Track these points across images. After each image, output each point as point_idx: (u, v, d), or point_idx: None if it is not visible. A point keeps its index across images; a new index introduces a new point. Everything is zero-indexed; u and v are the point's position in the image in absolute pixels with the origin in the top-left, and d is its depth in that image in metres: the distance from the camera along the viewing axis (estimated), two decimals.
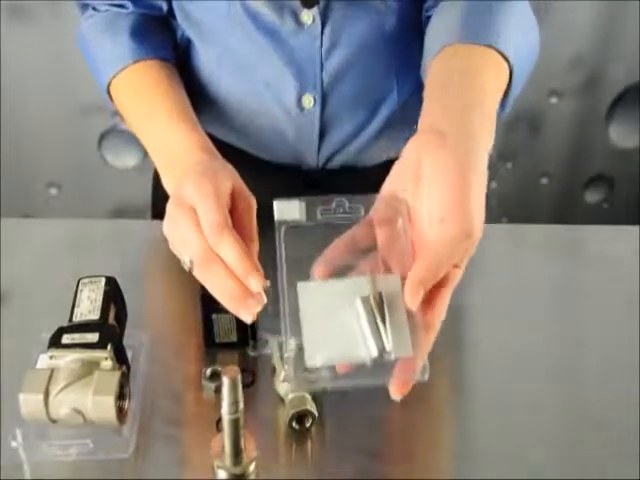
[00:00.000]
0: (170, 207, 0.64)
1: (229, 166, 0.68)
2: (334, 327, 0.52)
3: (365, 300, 0.52)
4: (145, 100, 0.80)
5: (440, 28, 0.75)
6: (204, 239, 0.59)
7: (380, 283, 0.54)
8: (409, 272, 0.53)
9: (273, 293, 0.55)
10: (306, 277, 0.55)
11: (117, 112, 0.86)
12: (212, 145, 0.73)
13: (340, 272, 0.55)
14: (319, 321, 0.53)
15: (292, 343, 0.69)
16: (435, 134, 0.58)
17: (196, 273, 0.61)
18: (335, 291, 0.54)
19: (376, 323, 0.52)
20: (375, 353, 0.51)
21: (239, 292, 0.59)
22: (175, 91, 0.81)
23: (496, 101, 0.66)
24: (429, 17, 0.80)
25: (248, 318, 0.59)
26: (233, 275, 0.59)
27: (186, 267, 0.61)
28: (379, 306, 0.53)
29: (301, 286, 0.54)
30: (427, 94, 0.66)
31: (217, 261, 0.59)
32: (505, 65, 0.69)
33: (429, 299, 0.53)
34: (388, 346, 0.51)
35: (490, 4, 0.73)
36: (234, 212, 0.63)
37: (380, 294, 0.53)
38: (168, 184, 0.71)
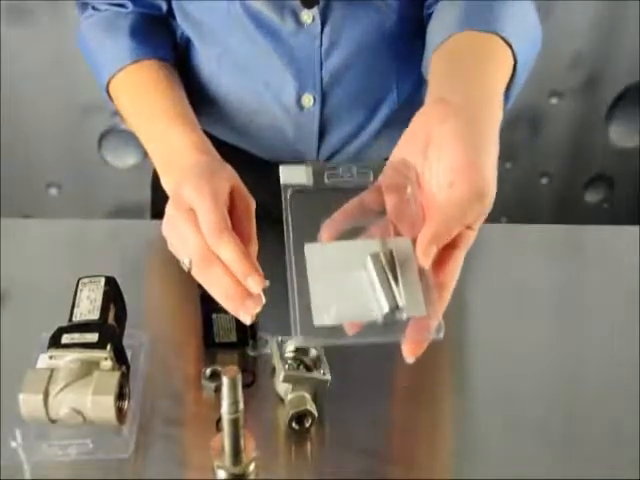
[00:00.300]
0: (169, 208, 0.64)
1: (228, 166, 0.68)
2: (343, 285, 0.51)
3: (375, 257, 0.51)
4: (144, 100, 0.80)
5: (442, 23, 0.75)
6: (203, 240, 0.59)
7: (391, 244, 0.53)
8: (420, 232, 0.52)
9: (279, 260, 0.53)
10: (313, 241, 0.53)
11: (117, 111, 0.86)
12: (211, 145, 0.73)
13: (348, 236, 0.54)
14: (327, 280, 0.51)
15: (292, 343, 0.70)
16: (442, 104, 0.58)
17: (194, 273, 0.61)
18: (344, 251, 0.53)
19: (387, 280, 0.50)
20: (386, 309, 0.49)
21: (238, 293, 0.59)
22: (174, 91, 0.81)
23: (502, 82, 0.66)
24: (430, 15, 0.80)
25: (247, 319, 0.59)
26: (232, 276, 0.59)
27: (185, 267, 0.61)
28: (390, 264, 0.51)
29: (309, 247, 0.53)
30: (433, 72, 0.67)
31: (216, 262, 0.59)
32: (509, 53, 0.69)
33: (441, 259, 0.53)
34: (400, 302, 0.50)
35: (491, 2, 0.73)
36: (233, 213, 0.63)
37: (391, 252, 0.52)
38: (167, 184, 0.71)
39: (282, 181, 0.56)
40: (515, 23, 0.72)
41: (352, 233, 0.55)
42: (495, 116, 0.60)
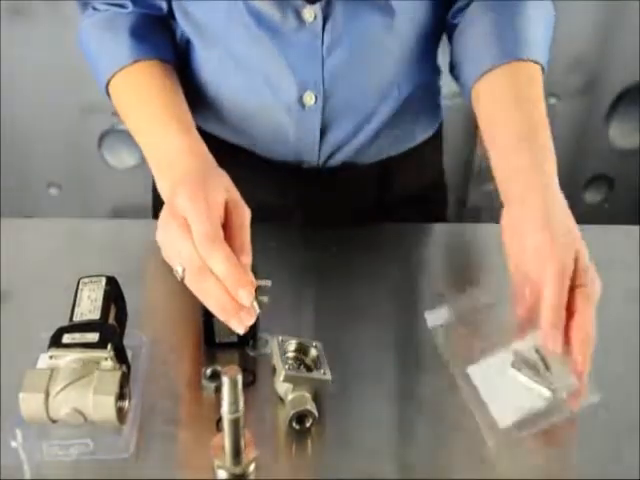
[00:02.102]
0: (163, 215, 0.64)
1: (223, 174, 0.68)
2: (508, 387, 0.65)
3: (521, 355, 0.67)
4: (142, 102, 0.80)
5: (478, 46, 0.81)
6: (196, 251, 0.59)
7: (531, 339, 0.67)
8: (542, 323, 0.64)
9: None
10: (470, 363, 0.68)
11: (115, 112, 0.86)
12: (206, 149, 0.72)
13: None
14: (495, 389, 0.65)
15: (293, 343, 0.70)
16: (525, 210, 0.69)
17: (187, 282, 0.61)
18: (497, 360, 0.67)
19: (538, 371, 0.65)
20: (548, 394, 0.64)
21: (231, 305, 0.59)
22: (172, 93, 0.81)
23: (547, 124, 0.76)
24: (455, 25, 0.83)
25: (240, 329, 0.60)
26: (224, 287, 0.59)
27: (178, 277, 0.61)
28: (538, 354, 0.66)
29: (471, 369, 0.67)
30: (489, 137, 0.76)
31: (209, 273, 0.59)
32: (540, 73, 0.79)
33: (569, 327, 0.63)
34: (556, 385, 0.64)
35: (520, 17, 0.80)
36: (227, 223, 0.63)
37: (535, 347, 0.66)
38: (162, 189, 0.71)
39: (430, 324, 0.72)
40: (545, 38, 0.80)
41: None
42: (553, 176, 0.71)
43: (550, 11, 0.83)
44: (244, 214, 0.64)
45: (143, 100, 0.80)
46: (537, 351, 0.68)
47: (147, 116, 0.78)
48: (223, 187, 0.65)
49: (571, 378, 0.64)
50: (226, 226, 0.62)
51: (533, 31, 0.80)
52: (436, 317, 0.72)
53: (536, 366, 0.66)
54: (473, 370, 0.68)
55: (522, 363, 0.67)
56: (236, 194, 0.66)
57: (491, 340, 0.70)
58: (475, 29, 0.82)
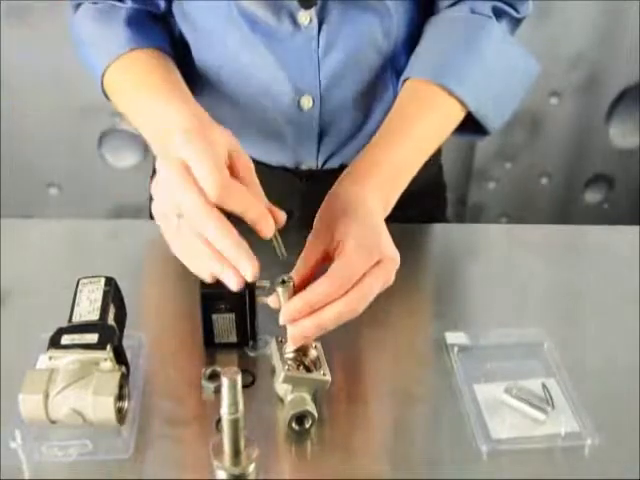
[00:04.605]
0: (158, 164, 0.60)
1: (226, 131, 0.64)
2: (507, 411, 0.70)
3: (510, 390, 0.71)
4: (142, 83, 0.77)
5: (416, 57, 0.83)
6: (201, 196, 0.57)
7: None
8: None
9: None
10: (479, 379, 0.72)
11: (111, 100, 0.85)
12: (210, 118, 0.70)
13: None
14: (496, 410, 0.69)
15: (292, 346, 0.70)
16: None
17: (181, 232, 0.60)
18: (502, 387, 0.71)
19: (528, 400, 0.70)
20: (542, 417, 0.68)
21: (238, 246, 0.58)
22: (172, 75, 0.79)
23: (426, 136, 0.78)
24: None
25: (248, 273, 0.58)
26: (228, 229, 0.58)
27: (171, 226, 0.60)
28: (545, 389, 0.71)
29: (477, 387, 0.71)
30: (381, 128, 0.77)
31: (215, 212, 0.57)
32: (457, 106, 0.79)
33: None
34: (556, 422, 0.68)
35: (463, 47, 0.81)
36: (232, 174, 0.60)
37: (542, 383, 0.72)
38: (159, 151, 0.69)
39: (448, 341, 0.76)
40: (479, 73, 0.80)
41: None
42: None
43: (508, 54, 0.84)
44: (248, 164, 0.62)
45: (144, 82, 0.78)
46: (544, 386, 0.71)
47: (147, 95, 0.76)
48: (224, 138, 0.62)
49: (573, 420, 0.68)
50: (232, 176, 0.59)
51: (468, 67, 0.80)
52: (454, 337, 0.76)
53: (540, 400, 0.70)
54: (479, 388, 0.71)
55: (519, 390, 0.70)
56: (238, 146, 0.63)
57: (504, 366, 0.73)
58: (430, 34, 0.85)
